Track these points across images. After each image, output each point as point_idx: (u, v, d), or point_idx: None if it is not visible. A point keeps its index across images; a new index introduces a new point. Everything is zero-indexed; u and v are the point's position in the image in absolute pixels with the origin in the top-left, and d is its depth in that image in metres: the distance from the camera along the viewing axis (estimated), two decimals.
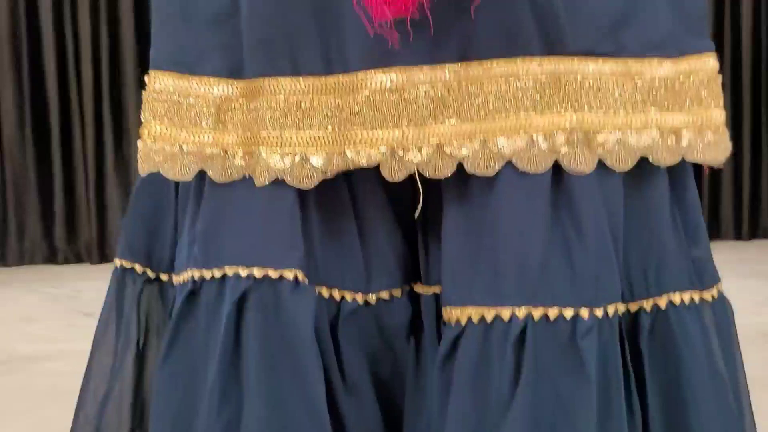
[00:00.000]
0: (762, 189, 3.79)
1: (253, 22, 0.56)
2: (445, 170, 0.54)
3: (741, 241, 3.72)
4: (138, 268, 0.71)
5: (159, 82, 0.62)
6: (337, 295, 0.61)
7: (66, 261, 3.63)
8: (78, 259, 3.65)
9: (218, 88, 0.58)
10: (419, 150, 0.53)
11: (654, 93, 0.56)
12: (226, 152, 0.58)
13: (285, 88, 0.55)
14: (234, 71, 0.58)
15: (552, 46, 0.54)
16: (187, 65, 0.60)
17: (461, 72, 0.53)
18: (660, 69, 0.56)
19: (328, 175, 0.56)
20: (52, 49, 3.54)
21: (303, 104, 0.55)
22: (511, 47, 0.53)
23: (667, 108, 0.56)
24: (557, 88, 0.54)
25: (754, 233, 3.79)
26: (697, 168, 0.58)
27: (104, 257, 3.62)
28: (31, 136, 3.61)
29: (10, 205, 3.60)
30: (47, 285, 2.91)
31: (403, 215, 0.62)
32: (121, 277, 0.72)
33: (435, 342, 0.60)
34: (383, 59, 0.52)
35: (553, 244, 0.55)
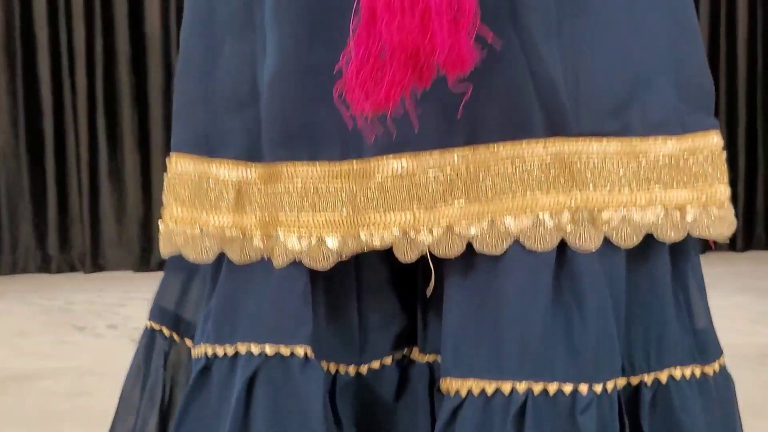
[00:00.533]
0: (757, 200, 3.80)
1: (272, 110, 0.57)
2: (455, 249, 0.55)
3: (735, 253, 3.72)
4: (165, 331, 0.71)
5: (180, 165, 0.63)
6: (332, 368, 0.63)
7: (59, 270, 3.60)
8: (71, 268, 3.62)
9: (237, 171, 0.60)
10: (430, 231, 0.55)
11: (658, 170, 0.57)
12: (244, 234, 0.60)
13: (302, 174, 0.57)
14: (253, 155, 0.60)
15: (556, 128, 0.55)
16: (207, 148, 0.61)
17: (469, 156, 0.55)
18: (664, 147, 0.57)
19: (343, 257, 0.57)
20: (47, 57, 3.52)
21: (319, 188, 0.57)
22: (517, 130, 0.55)
23: (672, 185, 0.57)
24: (562, 168, 0.55)
25: (749, 244, 3.80)
26: None
27: (97, 266, 3.60)
28: (25, 143, 3.59)
29: (3, 213, 3.58)
30: (40, 296, 2.89)
31: (404, 284, 0.64)
32: (150, 337, 0.72)
33: (427, 410, 0.61)
34: (395, 146, 0.54)
35: (555, 318, 0.56)
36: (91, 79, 3.54)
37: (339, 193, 0.57)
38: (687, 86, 0.59)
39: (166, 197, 0.64)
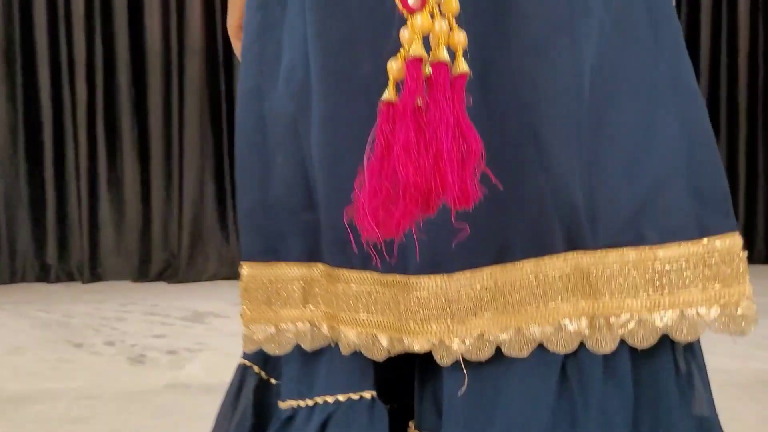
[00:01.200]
0: (758, 213, 3.79)
1: (329, 218, 0.63)
2: (485, 354, 0.60)
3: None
4: (256, 369, 0.77)
5: (251, 272, 0.69)
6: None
7: (57, 279, 3.60)
8: (69, 277, 3.62)
9: (302, 270, 0.67)
10: (463, 341, 0.59)
11: (674, 274, 0.58)
12: (313, 325, 0.67)
13: (356, 279, 0.63)
14: (314, 255, 0.66)
15: (575, 243, 0.59)
16: (273, 253, 0.68)
17: (497, 273, 0.60)
18: (680, 251, 0.58)
19: (392, 354, 0.63)
20: (46, 65, 3.52)
21: (371, 294, 0.63)
22: (540, 248, 0.59)
23: (689, 287, 0.58)
24: (581, 278, 0.59)
25: (750, 259, 3.77)
26: None
27: (95, 276, 3.60)
28: (24, 152, 3.58)
29: (2, 222, 3.57)
30: (38, 307, 2.88)
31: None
32: (243, 374, 0.78)
33: None
34: (432, 266, 0.60)
35: (560, 413, 0.58)
36: (91, 88, 3.53)
37: (386, 300, 0.62)
38: (703, 190, 0.60)
39: (243, 302, 0.70)
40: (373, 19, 0.58)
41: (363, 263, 0.62)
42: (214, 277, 3.59)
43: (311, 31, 0.61)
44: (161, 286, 3.45)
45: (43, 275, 3.61)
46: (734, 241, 0.60)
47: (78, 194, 3.58)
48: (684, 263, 0.58)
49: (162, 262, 3.63)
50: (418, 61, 0.45)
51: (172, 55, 3.52)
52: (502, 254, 0.59)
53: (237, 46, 0.79)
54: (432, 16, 0.46)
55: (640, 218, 0.58)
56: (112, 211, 3.64)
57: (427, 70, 0.46)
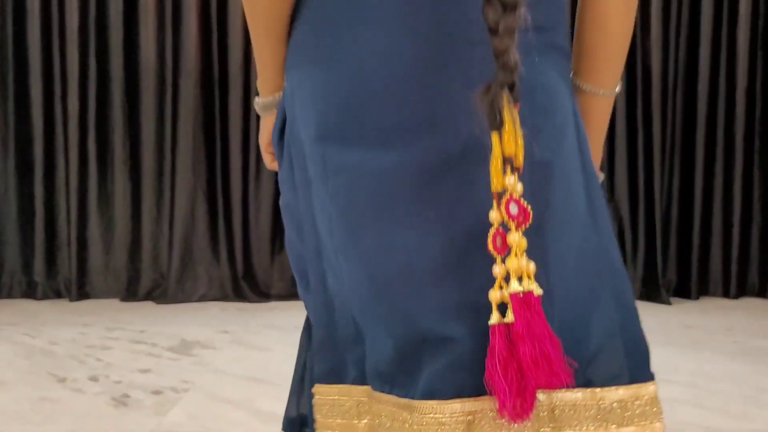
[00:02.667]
0: (752, 246, 3.78)
1: (372, 353, 0.78)
2: None
3: (729, 299, 3.70)
4: None
5: (321, 390, 0.84)
6: None
7: (44, 297, 3.55)
8: (57, 294, 3.57)
9: (355, 391, 0.81)
10: None
11: (612, 411, 0.73)
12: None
13: (385, 400, 0.76)
14: (362, 380, 0.80)
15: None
16: (336, 377, 0.83)
17: (483, 403, 0.72)
18: (617, 393, 0.74)
19: None
20: (39, 80, 3.47)
21: (396, 414, 0.76)
22: None
23: (623, 423, 0.73)
24: (549, 411, 0.73)
25: (743, 292, 3.78)
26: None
27: (83, 294, 3.56)
28: (14, 166, 3.54)
29: None
30: (23, 331, 2.84)
31: None
32: None
33: None
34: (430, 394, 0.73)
35: None
36: (84, 103, 3.49)
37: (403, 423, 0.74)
38: (633, 348, 0.76)
39: (315, 413, 0.84)
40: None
41: (389, 390, 0.76)
42: (203, 298, 3.55)
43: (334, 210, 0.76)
44: (149, 307, 3.41)
45: (30, 292, 3.56)
46: (654, 387, 0.75)
47: (67, 211, 3.53)
48: (620, 403, 0.73)
49: (151, 282, 3.59)
50: (517, 295, 0.64)
51: (166, 74, 3.48)
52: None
53: (267, 159, 0.93)
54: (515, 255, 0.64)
55: (591, 366, 0.73)
56: (101, 229, 3.60)
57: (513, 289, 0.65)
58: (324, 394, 0.83)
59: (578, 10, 0.80)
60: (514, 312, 0.63)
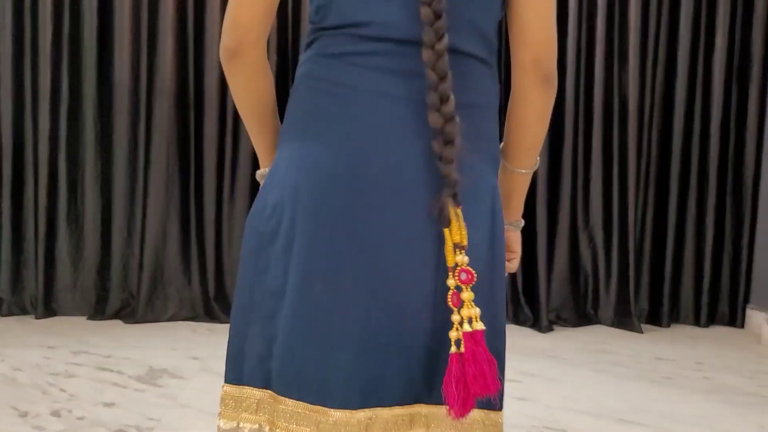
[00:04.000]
0: (722, 277, 3.82)
1: (283, 366, 0.95)
2: None
3: (699, 328, 3.74)
4: None
5: (229, 390, 0.97)
6: None
7: (10, 313, 3.48)
8: (23, 311, 3.50)
9: (258, 393, 0.96)
10: None
11: (477, 426, 0.96)
12: (260, 426, 0.96)
13: (290, 404, 0.93)
14: (267, 385, 0.95)
15: (418, 399, 0.95)
16: (243, 381, 0.97)
17: (377, 413, 0.93)
18: (481, 414, 0.95)
19: None
20: (9, 97, 3.40)
21: (297, 413, 0.93)
22: (406, 398, 0.95)
23: None
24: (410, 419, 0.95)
25: (713, 320, 3.82)
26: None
27: (50, 311, 3.48)
28: None
29: None
30: None
31: None
32: None
33: None
34: (344, 404, 0.92)
35: None
36: (55, 121, 3.42)
37: (309, 422, 0.91)
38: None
39: (221, 408, 0.98)
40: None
41: (298, 397, 0.91)
42: (173, 318, 3.50)
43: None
44: (117, 327, 3.34)
45: None
46: (502, 414, 0.97)
47: (35, 228, 3.46)
48: (482, 422, 0.94)
49: (120, 301, 3.53)
50: (469, 333, 0.86)
51: (140, 93, 3.42)
52: (381, 400, 0.91)
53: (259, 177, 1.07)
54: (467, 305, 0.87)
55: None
56: (70, 247, 3.53)
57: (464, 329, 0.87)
58: (230, 392, 0.97)
59: (507, 114, 0.99)
60: (465, 346, 0.86)
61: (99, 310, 3.51)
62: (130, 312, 3.49)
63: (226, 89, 3.45)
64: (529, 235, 3.66)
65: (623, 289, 3.68)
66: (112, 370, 2.65)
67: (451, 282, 0.87)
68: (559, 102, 3.62)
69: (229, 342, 0.98)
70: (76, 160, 3.49)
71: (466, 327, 0.86)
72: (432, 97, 0.84)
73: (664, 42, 3.69)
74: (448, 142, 0.84)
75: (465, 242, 0.86)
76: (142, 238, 3.48)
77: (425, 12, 0.82)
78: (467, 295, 0.87)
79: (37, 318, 3.44)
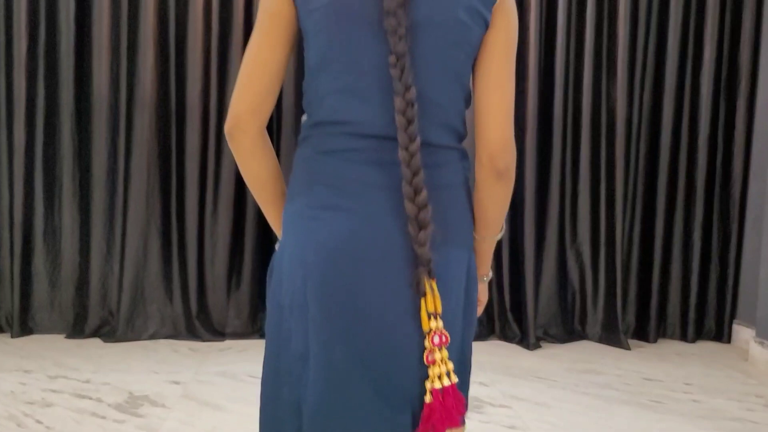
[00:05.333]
0: (709, 293, 3.81)
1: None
2: None
3: (686, 343, 3.73)
4: None
5: None
6: None
7: None
8: None
9: None
10: None
11: None
12: None
13: None
14: None
15: None
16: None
17: None
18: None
19: None
20: None
21: None
22: None
23: None
24: None
25: (699, 335, 3.80)
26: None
27: (26, 330, 3.39)
28: None
29: None
30: None
31: None
32: None
33: None
34: None
35: None
36: (31, 134, 3.32)
37: None
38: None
39: None
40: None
41: None
42: (154, 336, 3.41)
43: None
44: (96, 347, 3.25)
45: None
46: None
47: (11, 243, 3.35)
48: None
49: (99, 320, 3.43)
50: (438, 390, 1.02)
51: (120, 105, 3.33)
52: None
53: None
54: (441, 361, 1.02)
55: None
56: (47, 263, 3.43)
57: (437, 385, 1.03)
58: None
59: (473, 195, 1.11)
60: (438, 398, 1.02)
61: (77, 329, 3.41)
62: (109, 331, 3.40)
63: (209, 101, 3.37)
64: (516, 250, 3.63)
65: (611, 305, 3.65)
66: (90, 398, 2.57)
67: (426, 344, 1.01)
68: (547, 115, 3.58)
69: (261, 409, 1.10)
70: (53, 173, 3.39)
71: (437, 384, 1.01)
72: (407, 189, 0.96)
73: (653, 55, 3.66)
74: (422, 227, 0.97)
75: (439, 310, 1.00)
76: (122, 254, 3.39)
77: (399, 119, 0.96)
78: (440, 355, 1.01)
79: (12, 337, 3.34)
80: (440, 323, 1.00)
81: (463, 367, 1.12)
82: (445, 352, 1.01)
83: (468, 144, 1.10)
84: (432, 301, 0.99)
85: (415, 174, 0.96)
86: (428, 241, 0.97)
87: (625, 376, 3.08)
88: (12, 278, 3.36)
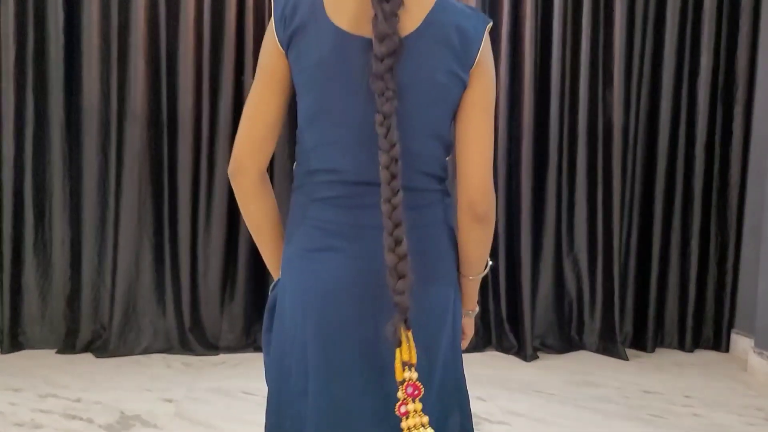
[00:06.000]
0: (707, 302, 3.78)
1: None
2: None
3: (684, 352, 3.70)
4: None
5: None
6: None
7: None
8: None
9: None
10: None
11: None
12: None
13: None
14: None
15: None
16: None
17: None
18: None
19: None
20: None
21: None
22: None
23: None
24: None
25: (697, 344, 3.78)
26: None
27: (16, 345, 3.34)
28: None
29: None
30: None
31: None
32: None
33: None
34: None
35: None
36: (20, 145, 3.27)
37: None
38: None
39: None
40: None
41: None
42: (147, 351, 3.36)
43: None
44: (88, 363, 3.20)
45: None
46: None
47: (1, 256, 3.29)
48: None
49: (90, 334, 3.38)
50: None
51: (110, 116, 3.27)
52: None
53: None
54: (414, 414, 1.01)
55: None
56: (37, 277, 3.37)
57: None
58: None
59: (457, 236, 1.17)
60: None
61: (69, 344, 3.36)
62: (101, 345, 3.35)
63: (201, 113, 3.32)
64: (512, 259, 3.59)
65: (608, 314, 3.62)
66: (81, 418, 2.52)
67: (399, 394, 1.01)
68: (543, 124, 3.55)
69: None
70: (43, 186, 3.33)
71: None
72: (388, 240, 1.00)
73: (649, 63, 3.63)
74: (401, 276, 1.00)
75: (413, 360, 1.01)
76: (114, 267, 3.34)
77: (384, 174, 1.01)
78: (413, 406, 1.01)
79: (3, 353, 3.29)
80: (414, 374, 1.01)
81: (463, 398, 1.18)
82: (419, 405, 1.01)
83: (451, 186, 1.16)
84: (407, 351, 1.00)
85: (396, 226, 1.00)
86: (407, 291, 1.00)
87: (624, 389, 3.05)
88: (2, 292, 3.30)
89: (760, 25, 3.60)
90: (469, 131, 1.10)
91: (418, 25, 1.05)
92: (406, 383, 1.01)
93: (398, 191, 1.01)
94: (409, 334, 1.01)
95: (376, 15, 1.01)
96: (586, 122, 3.56)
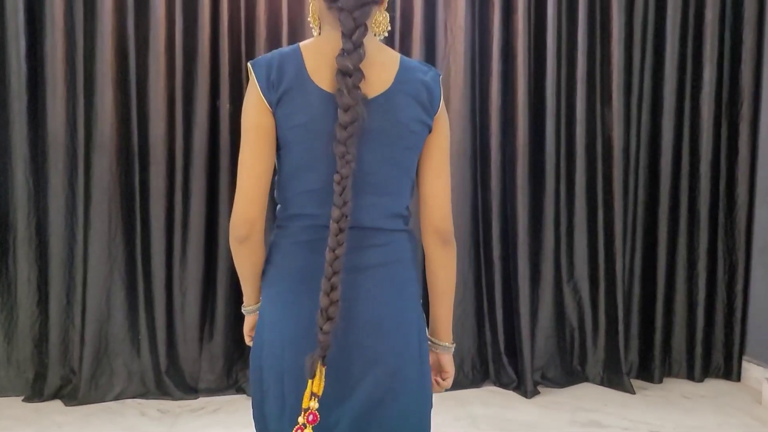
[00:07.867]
0: (716, 329, 3.58)
1: None
2: None
3: (693, 382, 3.49)
4: None
5: None
6: None
7: None
8: None
9: None
10: None
11: None
12: None
13: None
14: None
15: None
16: None
17: None
18: None
19: None
20: None
21: None
22: None
23: None
24: None
25: (707, 372, 3.57)
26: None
27: None
28: None
29: None
30: None
31: None
32: None
33: None
34: None
35: None
36: None
37: None
38: None
39: None
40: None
41: None
42: (121, 396, 3.14)
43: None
44: (56, 412, 2.98)
45: None
46: None
47: None
48: None
49: (59, 379, 3.16)
50: None
51: (77, 147, 3.07)
52: None
53: (248, 340, 1.36)
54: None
55: None
56: (2, 318, 3.15)
57: None
58: None
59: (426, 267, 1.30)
60: None
61: (36, 390, 3.13)
62: (71, 391, 3.13)
63: (174, 141, 3.12)
64: (509, 288, 3.39)
65: (612, 343, 3.42)
66: None
67: (300, 419, 1.11)
68: (538, 145, 3.35)
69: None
70: (6, 221, 3.12)
71: None
72: (325, 284, 1.10)
73: (649, 78, 3.44)
74: (329, 318, 1.09)
75: (320, 393, 1.11)
76: (83, 306, 3.12)
77: (333, 226, 1.11)
78: (308, 431, 1.11)
79: None
80: (316, 405, 1.11)
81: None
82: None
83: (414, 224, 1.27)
84: (318, 384, 1.11)
85: (335, 273, 1.09)
86: (330, 332, 1.10)
87: (632, 430, 2.83)
88: None
89: (764, 36, 3.42)
90: (433, 168, 1.25)
91: (392, 83, 1.19)
92: (309, 411, 1.11)
93: (343, 243, 1.11)
94: (323, 369, 1.11)
95: (339, 89, 1.12)
96: (584, 142, 3.36)
